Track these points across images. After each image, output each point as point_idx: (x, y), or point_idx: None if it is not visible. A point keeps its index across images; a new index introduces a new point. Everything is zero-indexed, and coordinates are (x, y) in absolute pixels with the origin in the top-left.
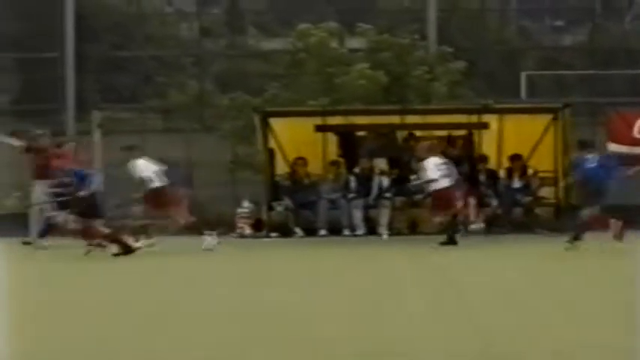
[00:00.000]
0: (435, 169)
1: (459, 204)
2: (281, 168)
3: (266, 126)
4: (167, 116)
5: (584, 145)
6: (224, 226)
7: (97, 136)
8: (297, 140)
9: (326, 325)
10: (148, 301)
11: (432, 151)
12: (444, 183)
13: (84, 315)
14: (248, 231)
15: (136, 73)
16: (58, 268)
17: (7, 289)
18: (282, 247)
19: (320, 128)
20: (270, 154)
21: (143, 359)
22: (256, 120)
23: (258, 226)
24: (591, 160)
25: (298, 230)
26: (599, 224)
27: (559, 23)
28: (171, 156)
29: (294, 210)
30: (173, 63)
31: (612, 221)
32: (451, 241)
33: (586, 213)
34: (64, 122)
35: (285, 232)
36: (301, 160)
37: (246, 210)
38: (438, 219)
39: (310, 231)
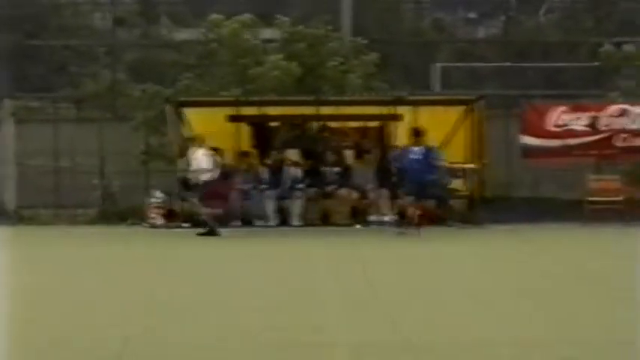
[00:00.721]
0: (204, 160)
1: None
2: None
3: (179, 116)
4: (80, 106)
5: (418, 133)
6: (136, 216)
7: (9, 125)
8: (210, 130)
9: (244, 315)
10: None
11: None
12: (210, 175)
13: None
14: (160, 221)
15: (50, 63)
16: None
17: None
18: (193, 237)
19: (233, 118)
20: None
21: None
22: (169, 110)
23: (170, 216)
24: (416, 152)
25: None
26: (413, 213)
27: (473, 16)
28: (84, 145)
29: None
30: (86, 53)
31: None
32: (211, 233)
33: (401, 202)
34: None
35: (197, 222)
36: (214, 151)
37: (158, 200)
38: (206, 210)
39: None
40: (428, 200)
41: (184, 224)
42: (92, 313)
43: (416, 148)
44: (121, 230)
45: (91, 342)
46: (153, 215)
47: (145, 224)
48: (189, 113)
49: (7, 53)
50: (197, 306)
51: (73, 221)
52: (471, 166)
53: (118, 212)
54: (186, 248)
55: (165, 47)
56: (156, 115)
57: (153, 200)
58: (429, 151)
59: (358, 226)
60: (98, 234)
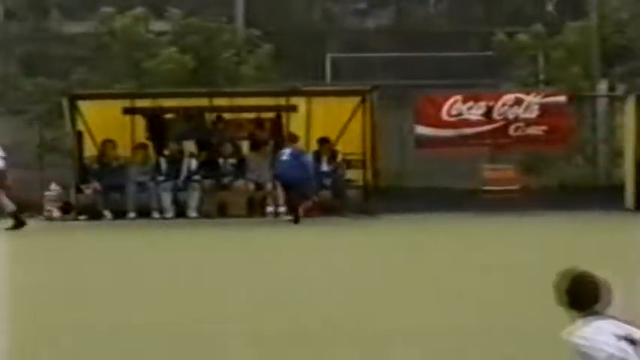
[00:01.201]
0: None
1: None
2: (89, 150)
3: (74, 109)
4: None
5: (293, 138)
6: (32, 209)
7: None
8: (106, 123)
9: (141, 309)
10: None
11: None
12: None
13: None
14: (56, 214)
15: None
16: None
17: None
18: (90, 230)
19: (128, 111)
20: (79, 136)
21: None
22: (64, 103)
23: (66, 209)
24: (285, 153)
25: (107, 213)
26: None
27: (363, 6)
28: None
29: (103, 193)
30: None
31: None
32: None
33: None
34: None
35: (94, 215)
36: (110, 143)
37: (54, 193)
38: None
39: (119, 214)
40: (322, 191)
41: (81, 217)
42: None
43: (287, 150)
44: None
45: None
46: (49, 208)
47: (41, 217)
48: (84, 106)
49: None
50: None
51: None
52: (366, 156)
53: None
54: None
55: (56, 40)
56: (50, 109)
57: (49, 193)
58: (299, 154)
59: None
60: None
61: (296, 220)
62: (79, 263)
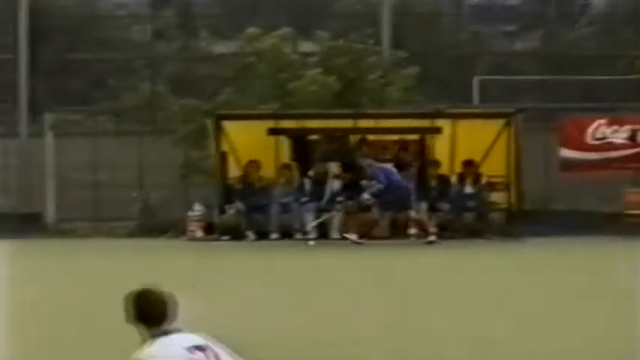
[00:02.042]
0: None
1: None
2: (233, 171)
3: (219, 129)
4: (119, 119)
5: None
6: (176, 229)
7: (49, 138)
8: (250, 143)
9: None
10: None
11: None
12: None
13: None
14: (199, 234)
15: (89, 76)
16: None
17: None
18: (232, 250)
19: (273, 132)
20: (223, 157)
21: None
22: (209, 123)
23: (209, 229)
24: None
25: (250, 233)
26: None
27: (511, 28)
28: (123, 159)
29: (246, 213)
30: (125, 66)
31: None
32: None
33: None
34: (16, 124)
35: (236, 235)
36: (254, 164)
37: (197, 213)
38: None
39: (262, 234)
40: (465, 213)
41: (223, 237)
42: None
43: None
44: (160, 243)
45: None
46: (192, 228)
47: (185, 237)
48: (229, 127)
49: (46, 66)
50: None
51: (112, 234)
52: (510, 178)
53: (157, 225)
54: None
55: (203, 60)
56: (196, 129)
57: (192, 213)
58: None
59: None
60: (135, 247)
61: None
62: (226, 284)
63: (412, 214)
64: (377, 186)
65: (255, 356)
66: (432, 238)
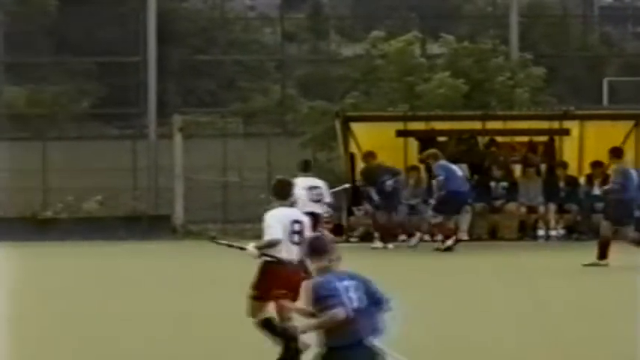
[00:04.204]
0: None
1: None
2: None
3: (347, 131)
4: (248, 120)
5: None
6: None
7: (178, 139)
8: (378, 145)
9: None
10: None
11: None
12: None
13: None
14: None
15: (218, 78)
16: None
17: None
18: (362, 252)
19: (401, 133)
20: (351, 158)
21: None
22: (338, 124)
23: (337, 230)
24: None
25: (377, 235)
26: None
27: None
28: (252, 160)
29: (375, 215)
30: (255, 67)
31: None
32: None
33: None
34: (145, 126)
35: (365, 236)
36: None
37: (325, 215)
38: None
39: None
40: (594, 215)
41: (352, 239)
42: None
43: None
44: None
45: None
46: (320, 229)
47: None
48: (357, 128)
49: (176, 68)
50: None
51: (241, 236)
52: None
53: None
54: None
55: (332, 62)
56: (324, 131)
57: (322, 214)
58: None
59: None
60: None
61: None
62: None
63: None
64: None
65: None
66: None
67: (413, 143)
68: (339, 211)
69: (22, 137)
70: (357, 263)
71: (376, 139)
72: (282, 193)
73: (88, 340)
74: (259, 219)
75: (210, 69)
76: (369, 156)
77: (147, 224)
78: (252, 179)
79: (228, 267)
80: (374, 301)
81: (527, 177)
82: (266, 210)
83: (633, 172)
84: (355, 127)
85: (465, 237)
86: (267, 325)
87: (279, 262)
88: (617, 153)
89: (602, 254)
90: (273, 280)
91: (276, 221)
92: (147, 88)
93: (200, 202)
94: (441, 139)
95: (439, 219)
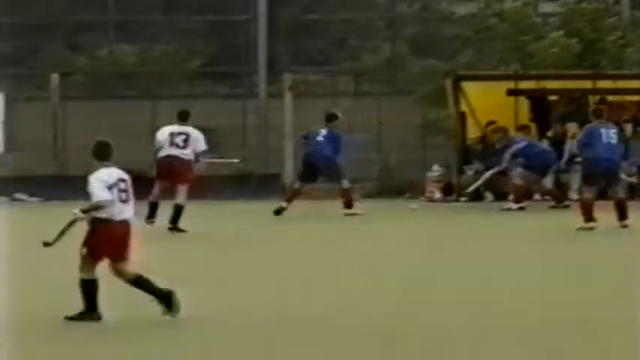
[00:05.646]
0: None
1: None
2: (472, 132)
3: (458, 90)
4: (358, 79)
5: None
6: (414, 190)
7: (287, 98)
8: (489, 105)
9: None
10: None
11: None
12: None
13: None
14: (438, 195)
15: (329, 36)
16: None
17: None
18: (472, 211)
19: (512, 92)
20: (462, 117)
21: None
22: (449, 83)
23: (448, 190)
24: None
25: (488, 194)
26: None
27: None
28: (362, 119)
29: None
30: (365, 26)
31: None
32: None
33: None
34: (255, 85)
35: (475, 196)
36: (493, 125)
37: (436, 174)
38: None
39: (501, 195)
40: None
41: (462, 198)
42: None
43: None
44: (399, 204)
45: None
46: (431, 189)
47: (423, 198)
48: (468, 87)
49: (285, 27)
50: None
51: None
52: None
53: (396, 186)
54: (462, 223)
55: (444, 21)
56: (435, 90)
57: (431, 174)
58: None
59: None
60: (375, 208)
61: None
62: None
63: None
64: None
65: None
66: None
67: (524, 102)
68: (449, 171)
69: (132, 96)
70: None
71: (487, 99)
72: (102, 154)
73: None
74: (369, 178)
75: (320, 28)
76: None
77: (256, 183)
78: (362, 138)
79: (334, 228)
80: None
81: (637, 136)
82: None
83: None
84: (466, 86)
85: (575, 196)
86: (89, 285)
87: (108, 221)
88: None
89: None
90: (104, 239)
91: (101, 182)
92: (257, 46)
93: None
94: (552, 98)
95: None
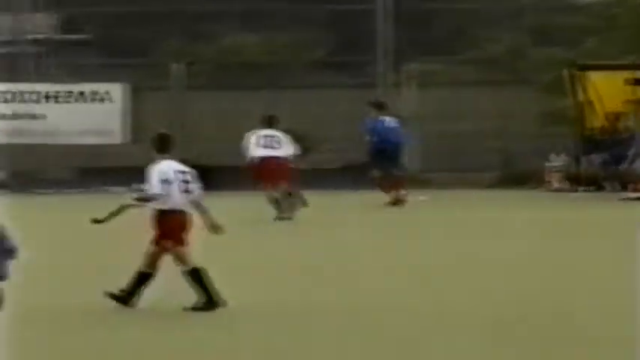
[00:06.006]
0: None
1: None
2: (595, 121)
3: (579, 79)
4: (480, 68)
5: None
6: (536, 179)
7: (410, 88)
8: (613, 94)
9: None
10: None
11: None
12: None
13: None
14: (558, 185)
15: (450, 26)
16: None
17: None
18: (593, 202)
19: (636, 82)
20: (584, 107)
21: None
22: (569, 73)
23: (570, 180)
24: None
25: (609, 185)
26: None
27: None
28: (484, 108)
29: (606, 164)
30: (487, 15)
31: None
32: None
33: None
34: (378, 75)
35: (597, 186)
36: (616, 114)
37: (557, 164)
38: None
39: (623, 185)
40: None
41: (581, 188)
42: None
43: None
44: (519, 194)
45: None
46: (551, 179)
47: (544, 188)
48: (591, 76)
49: (407, 17)
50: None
51: (473, 184)
52: None
53: (518, 176)
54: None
55: (565, 10)
56: (557, 79)
57: (552, 164)
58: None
59: None
60: (496, 198)
61: None
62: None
63: None
64: None
65: None
66: None
67: None
68: (571, 160)
69: (255, 85)
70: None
71: (610, 88)
72: (162, 147)
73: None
74: (491, 168)
75: (441, 17)
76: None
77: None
78: (485, 128)
79: (455, 217)
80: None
81: None
82: None
83: None
84: (589, 75)
85: None
86: (145, 277)
87: (170, 211)
88: None
89: None
90: (167, 229)
91: (158, 175)
92: (379, 36)
93: (432, 151)
94: None
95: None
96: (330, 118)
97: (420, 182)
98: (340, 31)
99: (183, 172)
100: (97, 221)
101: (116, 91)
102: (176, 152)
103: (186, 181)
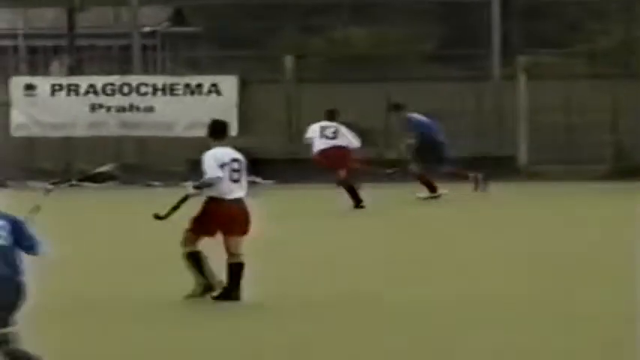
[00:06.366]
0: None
1: None
2: None
3: None
4: (593, 62)
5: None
6: None
7: (522, 80)
8: None
9: None
10: None
11: None
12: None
13: None
14: None
15: (562, 18)
16: None
17: None
18: None
19: None
20: None
21: None
22: None
23: None
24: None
25: None
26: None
27: None
28: (596, 102)
29: None
30: (600, 8)
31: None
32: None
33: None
34: (489, 67)
35: None
36: None
37: None
38: None
39: None
40: None
41: None
42: None
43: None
44: (631, 187)
45: None
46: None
47: None
48: None
49: (520, 9)
50: None
51: (584, 177)
52: None
53: (631, 168)
54: None
55: None
56: None
57: None
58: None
59: None
60: (608, 191)
61: None
62: None
63: None
64: None
65: None
66: None
67: None
68: None
69: (366, 78)
70: None
71: None
72: (217, 133)
73: None
74: (603, 160)
75: (554, 10)
76: None
77: (490, 165)
78: (597, 121)
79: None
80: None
81: None
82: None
83: None
84: None
85: None
86: (193, 257)
87: (219, 199)
88: None
89: None
90: (213, 216)
91: (215, 160)
92: (491, 29)
93: (543, 144)
94: None
95: None
96: (442, 110)
97: (531, 175)
98: (452, 23)
99: (237, 161)
100: (159, 217)
101: (226, 83)
102: (235, 141)
103: (238, 170)
